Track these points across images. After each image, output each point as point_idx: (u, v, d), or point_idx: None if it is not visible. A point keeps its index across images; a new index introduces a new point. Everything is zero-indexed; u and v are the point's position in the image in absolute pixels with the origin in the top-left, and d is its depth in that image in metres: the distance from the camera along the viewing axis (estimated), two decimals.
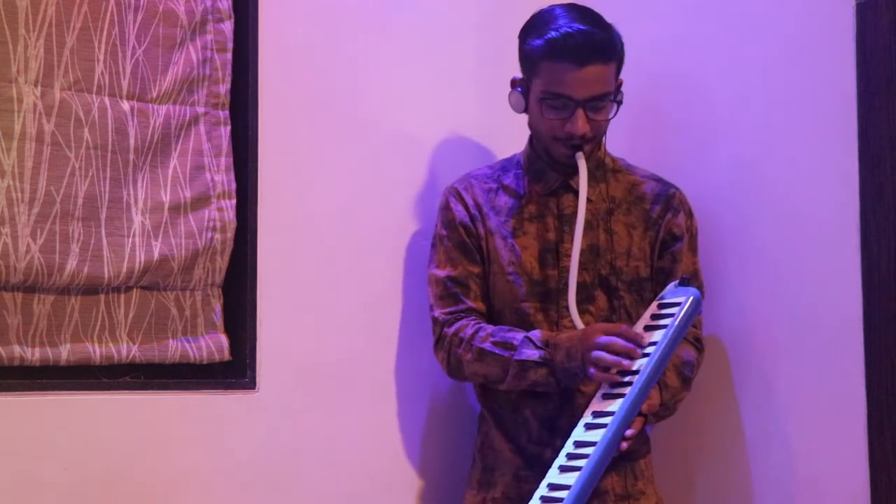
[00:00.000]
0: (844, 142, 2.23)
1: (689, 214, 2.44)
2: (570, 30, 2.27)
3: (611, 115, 2.34)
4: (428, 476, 2.61)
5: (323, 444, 2.48)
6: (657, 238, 2.40)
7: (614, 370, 2.16)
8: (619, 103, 2.34)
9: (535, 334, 2.31)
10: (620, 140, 2.58)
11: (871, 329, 2.18)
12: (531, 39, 2.32)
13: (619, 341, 2.17)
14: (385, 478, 2.56)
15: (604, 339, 2.18)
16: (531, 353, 2.28)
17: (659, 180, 2.45)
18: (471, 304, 2.41)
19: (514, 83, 2.40)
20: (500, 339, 2.33)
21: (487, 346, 2.33)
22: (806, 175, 2.33)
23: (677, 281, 2.28)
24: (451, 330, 2.39)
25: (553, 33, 2.28)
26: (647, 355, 2.17)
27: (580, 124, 2.29)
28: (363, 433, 2.53)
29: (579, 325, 2.28)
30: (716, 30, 2.56)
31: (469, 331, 2.36)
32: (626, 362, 2.14)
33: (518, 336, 2.32)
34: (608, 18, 2.39)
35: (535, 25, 2.34)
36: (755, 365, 2.42)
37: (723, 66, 2.53)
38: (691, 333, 2.39)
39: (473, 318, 2.40)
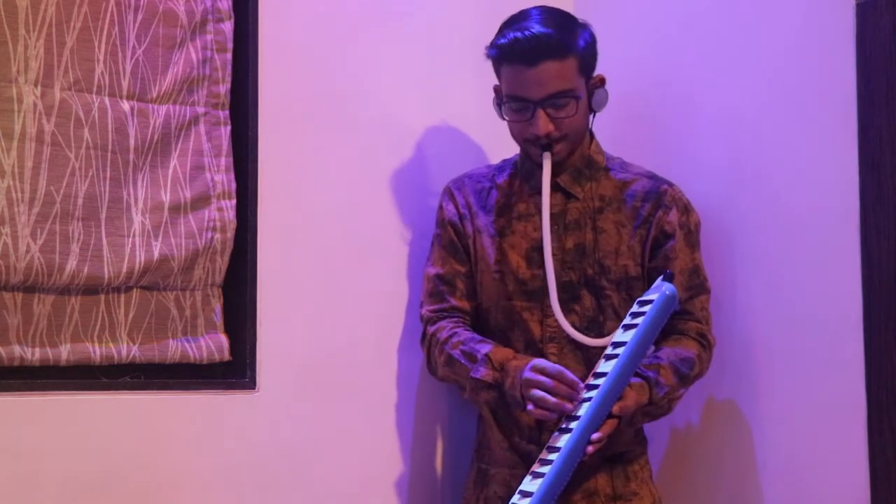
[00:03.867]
0: (844, 142, 2.23)
1: (685, 210, 2.42)
2: (517, 34, 2.27)
3: (574, 113, 2.31)
4: (428, 476, 2.61)
5: (323, 444, 2.49)
6: (648, 236, 2.39)
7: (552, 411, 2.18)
8: (577, 98, 2.30)
9: (497, 354, 2.31)
10: (620, 142, 2.58)
11: (871, 329, 2.18)
12: (490, 46, 2.34)
13: (550, 389, 2.17)
14: (385, 478, 2.56)
15: (542, 380, 2.19)
16: (485, 373, 2.30)
17: (652, 177, 2.44)
18: (455, 302, 2.44)
19: (495, 90, 2.40)
20: (468, 350, 2.34)
21: (456, 353, 2.36)
22: (806, 175, 2.33)
23: (661, 276, 2.27)
24: (433, 329, 2.43)
25: (502, 39, 2.30)
26: (616, 356, 2.17)
27: (541, 125, 2.29)
28: (363, 433, 2.53)
29: (564, 324, 2.27)
30: (715, 30, 2.56)
31: (444, 334, 2.39)
32: (567, 404, 2.16)
33: (483, 350, 2.32)
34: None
35: (498, 32, 2.35)
36: (755, 365, 2.42)
37: (722, 66, 2.53)
38: (694, 328, 2.38)
39: (456, 317, 2.43)
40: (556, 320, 2.32)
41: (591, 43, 2.35)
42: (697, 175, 2.54)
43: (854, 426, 2.20)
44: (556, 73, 2.27)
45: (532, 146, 2.35)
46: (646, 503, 2.38)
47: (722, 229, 2.49)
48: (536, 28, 2.27)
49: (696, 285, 2.39)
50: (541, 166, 2.35)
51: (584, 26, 2.35)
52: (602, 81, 2.37)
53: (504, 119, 2.39)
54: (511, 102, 2.32)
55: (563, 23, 2.32)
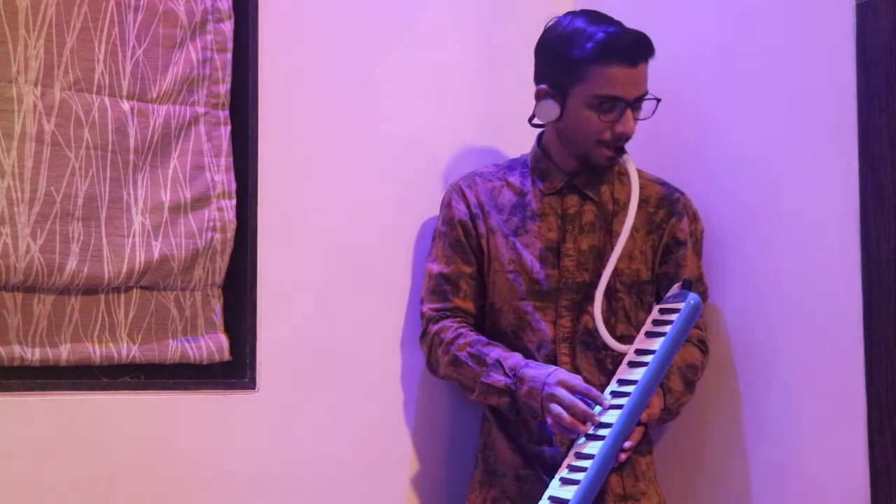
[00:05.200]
0: (844, 142, 2.23)
1: (694, 219, 2.44)
2: (618, 30, 2.29)
3: (649, 116, 2.36)
4: (429, 477, 2.61)
5: (323, 443, 2.48)
6: (660, 242, 2.41)
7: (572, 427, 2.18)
8: (659, 100, 2.36)
9: (509, 360, 2.31)
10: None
11: (871, 329, 2.18)
12: (574, 47, 2.30)
13: (580, 405, 2.17)
14: (386, 478, 2.56)
15: (566, 398, 2.19)
16: (497, 379, 2.30)
17: (664, 184, 2.46)
18: (458, 303, 2.44)
19: (542, 93, 2.36)
20: (476, 353, 2.35)
21: (463, 355, 2.36)
22: (806, 175, 2.33)
23: (680, 283, 2.29)
24: (435, 328, 2.43)
25: (603, 34, 2.28)
26: (645, 364, 2.18)
27: (631, 125, 2.31)
28: (363, 433, 2.53)
29: (606, 336, 2.27)
30: (715, 30, 2.56)
31: (450, 334, 2.39)
32: (581, 427, 2.16)
33: (493, 355, 2.33)
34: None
35: (571, 35, 2.31)
36: (755, 365, 2.42)
37: (722, 66, 2.53)
38: (695, 335, 2.40)
39: (459, 318, 2.43)
40: (570, 321, 2.34)
41: None
42: (697, 175, 2.54)
43: (854, 426, 2.20)
44: (645, 75, 2.32)
45: (605, 147, 2.34)
46: (653, 502, 2.38)
47: (722, 228, 2.49)
48: (625, 28, 2.30)
49: (700, 293, 2.40)
50: (563, 166, 2.38)
51: None
52: None
53: (551, 121, 2.37)
54: (603, 103, 2.30)
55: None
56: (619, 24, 2.33)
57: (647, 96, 2.33)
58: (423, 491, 2.59)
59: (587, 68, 2.29)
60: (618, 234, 2.38)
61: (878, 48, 2.18)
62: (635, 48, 2.28)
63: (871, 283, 2.18)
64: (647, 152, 2.61)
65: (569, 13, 2.38)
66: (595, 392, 2.19)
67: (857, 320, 2.20)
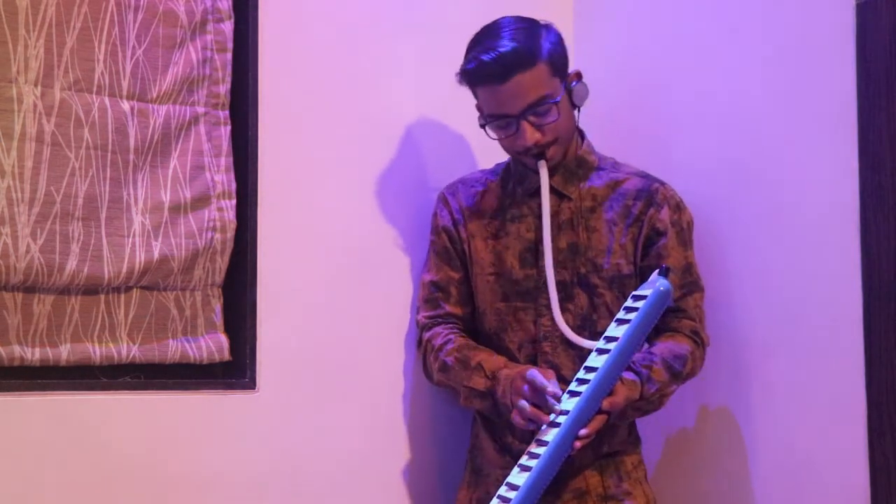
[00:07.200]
0: (844, 142, 2.23)
1: (677, 208, 2.42)
2: (481, 56, 2.27)
3: (557, 116, 2.30)
4: (426, 476, 2.61)
5: (323, 444, 2.49)
6: (640, 234, 2.39)
7: (537, 418, 2.17)
8: (556, 101, 2.28)
9: (490, 363, 2.33)
10: (618, 141, 2.58)
11: (871, 329, 2.18)
12: (458, 74, 2.35)
13: (542, 396, 2.18)
14: (384, 478, 2.56)
15: (521, 391, 2.21)
16: (478, 382, 2.33)
17: (645, 176, 2.44)
18: (449, 309, 2.46)
19: (477, 109, 2.40)
20: (462, 357, 2.37)
21: (450, 360, 2.38)
22: (806, 175, 2.33)
23: (658, 270, 2.27)
24: (428, 335, 2.46)
25: (468, 65, 2.31)
26: (607, 351, 2.17)
27: (527, 136, 2.30)
28: (362, 433, 2.53)
29: (563, 327, 2.27)
30: (715, 30, 2.56)
31: (439, 340, 2.42)
32: (544, 417, 2.16)
33: (476, 359, 2.35)
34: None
35: (465, 56, 2.34)
36: (755, 365, 2.42)
37: (722, 66, 2.53)
38: (688, 326, 2.38)
39: (451, 324, 2.45)
40: (550, 319, 2.34)
41: (558, 42, 2.33)
42: (698, 175, 2.54)
43: (854, 426, 2.20)
44: (529, 83, 2.27)
45: (525, 157, 2.35)
46: (639, 503, 2.38)
47: (722, 229, 2.49)
48: (498, 45, 2.26)
49: (689, 283, 2.39)
50: (536, 171, 2.36)
51: (548, 27, 2.34)
52: (578, 76, 2.36)
53: (491, 137, 2.39)
54: (493, 121, 2.33)
55: (525, 31, 2.30)
56: (503, 35, 2.28)
57: (549, 100, 2.28)
58: (422, 491, 2.59)
59: (474, 91, 2.36)
60: (595, 231, 2.38)
61: (878, 48, 2.18)
62: (497, 66, 2.25)
63: (871, 283, 2.18)
64: (644, 152, 2.62)
65: (490, 23, 2.36)
66: (551, 388, 2.19)
67: (857, 320, 2.20)
